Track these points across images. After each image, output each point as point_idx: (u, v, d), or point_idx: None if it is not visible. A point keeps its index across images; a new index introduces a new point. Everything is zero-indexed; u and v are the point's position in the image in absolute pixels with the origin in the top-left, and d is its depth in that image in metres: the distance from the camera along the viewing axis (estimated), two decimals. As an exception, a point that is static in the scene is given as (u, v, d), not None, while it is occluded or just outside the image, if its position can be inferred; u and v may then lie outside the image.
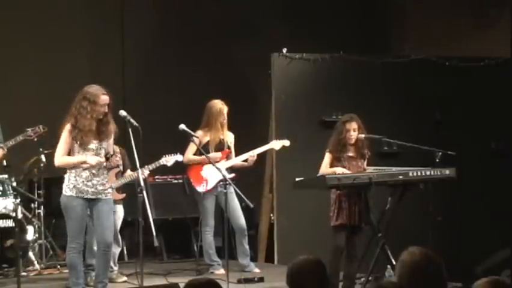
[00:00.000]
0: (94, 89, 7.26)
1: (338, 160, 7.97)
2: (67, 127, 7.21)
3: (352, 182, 7.72)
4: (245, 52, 11.43)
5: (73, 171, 7.21)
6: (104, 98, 7.21)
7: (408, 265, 3.83)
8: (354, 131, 7.96)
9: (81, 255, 7.38)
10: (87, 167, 7.18)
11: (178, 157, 8.48)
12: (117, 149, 8.09)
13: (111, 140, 7.37)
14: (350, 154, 8.01)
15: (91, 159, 7.18)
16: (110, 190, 7.37)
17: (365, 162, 8.10)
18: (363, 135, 8.15)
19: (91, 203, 7.23)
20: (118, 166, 8.04)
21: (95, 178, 7.23)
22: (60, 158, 7.25)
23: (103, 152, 7.27)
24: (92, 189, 7.21)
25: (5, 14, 10.66)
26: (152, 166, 8.19)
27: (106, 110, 7.22)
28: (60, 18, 10.95)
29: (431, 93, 10.50)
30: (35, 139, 8.90)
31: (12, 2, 10.78)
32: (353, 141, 7.99)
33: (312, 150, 8.83)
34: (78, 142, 7.18)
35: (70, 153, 7.24)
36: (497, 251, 9.54)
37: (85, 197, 7.19)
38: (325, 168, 7.95)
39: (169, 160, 8.34)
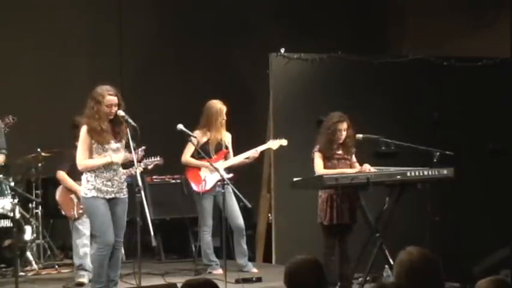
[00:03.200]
0: (102, 89, 7.22)
1: (327, 159, 7.99)
2: (84, 129, 7.17)
3: (350, 182, 7.73)
4: (243, 52, 11.43)
5: (93, 172, 7.19)
6: (110, 99, 7.17)
7: (406, 265, 3.83)
8: (344, 131, 7.99)
9: (107, 255, 7.33)
10: (107, 166, 7.18)
11: (158, 160, 8.46)
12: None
13: (124, 141, 7.33)
14: (339, 152, 8.04)
15: (116, 157, 7.18)
16: (126, 189, 7.35)
17: (353, 157, 8.12)
18: (361, 135, 8.17)
19: (110, 202, 7.23)
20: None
21: (114, 178, 7.24)
22: (84, 161, 7.20)
23: (122, 151, 7.27)
24: (112, 189, 7.22)
25: (4, 13, 10.65)
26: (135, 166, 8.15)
27: (113, 111, 7.17)
28: (58, 17, 10.94)
29: (429, 93, 10.51)
30: (7, 129, 8.88)
31: (11, 1, 10.77)
32: (342, 140, 8.02)
33: (310, 150, 8.83)
34: (96, 143, 7.17)
35: (92, 155, 7.23)
36: (495, 251, 9.54)
37: (106, 196, 7.19)
38: (322, 170, 7.94)
39: (149, 163, 8.32)
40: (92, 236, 7.56)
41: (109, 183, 7.21)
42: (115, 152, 7.23)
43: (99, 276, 7.31)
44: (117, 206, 7.26)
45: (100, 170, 7.20)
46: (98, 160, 7.18)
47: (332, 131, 7.99)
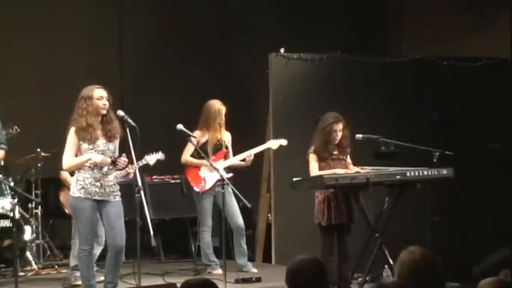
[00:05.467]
0: (88, 87, 7.28)
1: (323, 160, 7.99)
2: (72, 130, 7.17)
3: (350, 182, 7.73)
4: (243, 52, 11.43)
5: (81, 172, 7.16)
6: (99, 91, 7.21)
7: (408, 264, 3.84)
8: (340, 132, 8.00)
9: (92, 256, 7.35)
10: (93, 166, 7.14)
11: (160, 156, 8.44)
12: None
13: (117, 141, 7.32)
14: (335, 153, 8.05)
15: (96, 157, 7.12)
16: (119, 192, 7.31)
17: (348, 158, 8.12)
18: (360, 135, 8.18)
19: (100, 204, 7.19)
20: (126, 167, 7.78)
21: (103, 179, 7.19)
22: (67, 160, 7.21)
23: (110, 153, 7.23)
24: (101, 190, 7.17)
25: (4, 13, 10.65)
26: (135, 166, 8.15)
27: (104, 103, 7.19)
28: (58, 18, 10.95)
29: (429, 93, 10.50)
30: (7, 137, 8.87)
31: (11, 2, 10.77)
32: (337, 141, 8.02)
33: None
34: (86, 141, 7.13)
35: (77, 155, 7.20)
36: (495, 251, 9.53)
37: (93, 198, 7.16)
38: (317, 172, 7.94)
39: (151, 159, 8.29)
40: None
41: (98, 183, 7.16)
42: (102, 152, 7.18)
43: (88, 280, 7.29)
44: (110, 209, 7.19)
45: (88, 170, 7.16)
46: (80, 158, 7.15)
47: (328, 131, 7.99)
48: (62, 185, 8.70)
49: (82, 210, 7.16)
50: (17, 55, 10.65)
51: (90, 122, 7.14)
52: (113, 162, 7.22)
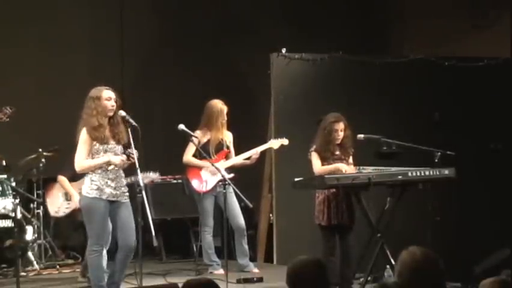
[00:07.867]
0: (97, 88, 7.26)
1: (324, 159, 7.99)
2: (84, 130, 7.12)
3: (351, 182, 7.73)
4: (244, 52, 11.43)
5: (95, 172, 7.13)
6: (108, 92, 7.20)
7: (408, 265, 3.84)
8: (341, 131, 7.99)
9: (102, 257, 7.27)
10: (111, 168, 7.14)
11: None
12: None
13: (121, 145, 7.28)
14: (337, 153, 8.04)
15: (115, 158, 7.12)
16: (128, 194, 7.31)
17: (351, 158, 8.12)
18: (362, 136, 8.18)
19: (112, 205, 7.18)
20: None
21: (117, 180, 7.20)
22: (82, 161, 7.14)
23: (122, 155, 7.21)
24: (115, 192, 7.16)
25: (4, 13, 10.66)
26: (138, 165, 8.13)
27: (113, 105, 7.18)
28: (59, 18, 10.96)
29: (430, 93, 10.51)
30: (7, 119, 8.84)
31: (12, 2, 10.78)
32: (339, 141, 8.02)
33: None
34: (98, 141, 7.11)
35: (91, 156, 7.17)
36: (496, 251, 9.54)
37: (108, 198, 7.15)
38: (320, 167, 7.94)
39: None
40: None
41: (113, 184, 7.16)
42: (114, 154, 7.19)
43: (99, 280, 7.27)
44: (122, 210, 7.19)
45: (103, 171, 7.15)
46: (97, 160, 7.12)
47: (328, 131, 7.99)
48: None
49: (96, 210, 7.13)
50: (18, 56, 10.65)
51: (101, 121, 7.15)
52: (128, 156, 7.21)
